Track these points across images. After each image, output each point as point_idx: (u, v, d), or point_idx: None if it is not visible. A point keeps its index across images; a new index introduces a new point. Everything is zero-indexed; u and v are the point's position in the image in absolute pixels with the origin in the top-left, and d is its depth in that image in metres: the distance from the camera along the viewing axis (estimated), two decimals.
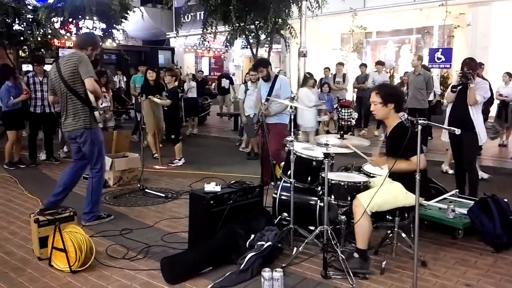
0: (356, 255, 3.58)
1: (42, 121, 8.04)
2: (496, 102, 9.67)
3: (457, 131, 3.03)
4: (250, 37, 11.64)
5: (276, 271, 3.32)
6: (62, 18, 12.67)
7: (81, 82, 4.54)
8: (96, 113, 4.72)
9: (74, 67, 4.50)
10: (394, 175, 3.62)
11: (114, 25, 13.55)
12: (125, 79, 16.67)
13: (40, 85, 7.80)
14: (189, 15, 11.85)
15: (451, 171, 6.98)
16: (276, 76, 6.18)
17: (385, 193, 3.54)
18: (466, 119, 5.31)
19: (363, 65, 12.58)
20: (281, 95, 5.88)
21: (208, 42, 12.47)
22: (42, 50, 13.50)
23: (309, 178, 4.39)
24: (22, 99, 7.47)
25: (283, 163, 4.76)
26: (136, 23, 16.82)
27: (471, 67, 5.41)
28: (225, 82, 14.45)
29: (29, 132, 8.32)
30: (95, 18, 12.90)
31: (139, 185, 6.28)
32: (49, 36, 12.93)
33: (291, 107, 4.55)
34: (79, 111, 4.62)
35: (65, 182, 4.87)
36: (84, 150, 4.77)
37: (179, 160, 8.14)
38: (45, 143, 8.34)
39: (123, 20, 13.52)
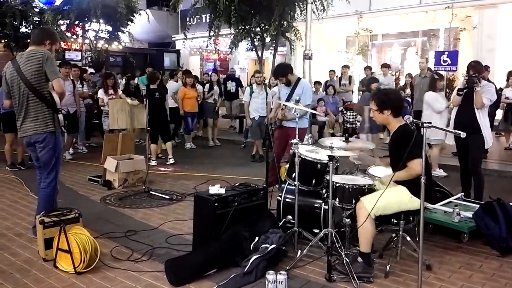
0: (359, 259, 3.57)
1: None
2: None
3: (463, 135, 3.03)
4: (255, 39, 11.66)
5: (280, 273, 3.32)
6: (68, 21, 12.75)
7: (46, 82, 4.12)
8: (60, 116, 4.27)
9: (39, 65, 4.05)
10: (398, 180, 3.61)
11: (120, 28, 13.63)
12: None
13: None
14: (195, 18, 11.89)
15: None
16: (298, 80, 6.02)
17: (389, 196, 3.52)
18: (472, 122, 5.29)
19: (368, 68, 12.57)
20: (301, 101, 5.76)
21: (217, 45, 12.50)
22: None
23: (313, 181, 4.38)
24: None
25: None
26: (142, 26, 16.88)
27: (477, 70, 5.39)
28: (231, 85, 12.79)
29: None
30: (101, 20, 12.97)
31: (144, 187, 6.30)
32: None
33: (295, 110, 4.54)
34: (42, 113, 4.19)
35: (44, 203, 4.33)
36: (40, 156, 4.26)
37: (154, 160, 8.37)
38: None
39: (129, 22, 13.61)
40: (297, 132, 4.42)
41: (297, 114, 4.45)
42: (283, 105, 5.81)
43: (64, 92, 4.32)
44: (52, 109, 4.21)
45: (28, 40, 12.63)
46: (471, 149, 5.37)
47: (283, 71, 6.08)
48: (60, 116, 4.26)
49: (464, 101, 5.40)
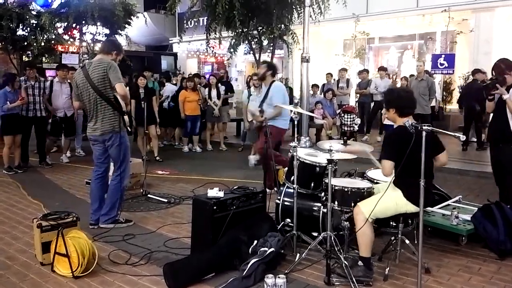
0: (360, 263, 3.56)
1: (34, 125, 8.07)
2: None
3: (462, 138, 3.03)
4: (253, 42, 11.66)
5: (279, 277, 3.32)
6: (65, 24, 12.72)
7: (110, 87, 4.62)
8: (126, 117, 4.80)
9: (104, 73, 4.57)
10: (397, 182, 3.61)
11: (118, 31, 13.60)
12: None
13: (32, 89, 7.85)
14: (192, 21, 11.89)
15: None
16: (272, 83, 6.17)
17: (386, 200, 3.52)
18: (503, 130, 4.73)
19: (365, 71, 12.60)
20: (272, 101, 5.93)
21: (213, 48, 12.49)
22: (46, 55, 13.56)
23: (312, 184, 4.38)
24: (17, 104, 7.46)
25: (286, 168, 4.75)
26: (139, 29, 16.87)
27: (499, 70, 4.77)
28: (221, 89, 10.98)
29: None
30: (98, 23, 12.94)
31: (142, 190, 6.28)
32: (53, 42, 12.98)
33: (294, 113, 4.54)
34: (108, 115, 4.69)
35: (99, 195, 4.94)
36: (110, 153, 4.85)
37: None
38: (37, 147, 8.36)
39: (126, 25, 13.57)
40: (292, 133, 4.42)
41: (296, 117, 4.45)
42: (259, 110, 5.94)
43: (127, 95, 4.73)
44: (118, 111, 4.71)
45: (25, 43, 12.63)
46: (506, 164, 4.78)
47: (270, 65, 6.30)
48: (126, 118, 4.80)
49: (497, 107, 4.84)
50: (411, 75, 11.71)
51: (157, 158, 8.94)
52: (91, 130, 4.80)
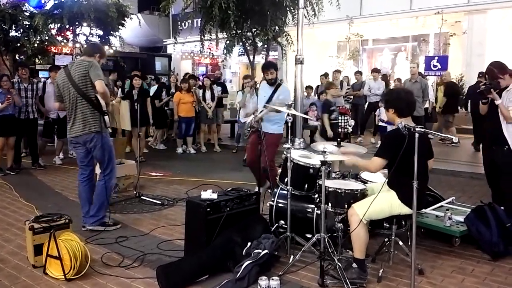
0: (354, 265, 3.56)
1: (26, 127, 8.01)
2: None
3: (455, 139, 3.04)
4: (247, 44, 11.67)
5: (272, 279, 3.31)
6: (59, 25, 12.67)
7: (92, 86, 4.55)
8: (106, 117, 4.70)
9: (85, 71, 4.52)
10: (391, 183, 3.61)
11: (111, 32, 13.57)
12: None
13: (24, 91, 7.82)
14: (186, 22, 11.88)
15: None
16: (279, 84, 6.06)
17: (381, 201, 3.52)
18: (496, 132, 4.69)
19: (359, 73, 12.62)
20: (279, 98, 5.82)
21: (210, 49, 12.46)
22: (39, 56, 13.50)
23: (306, 186, 4.38)
24: (5, 106, 7.37)
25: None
26: (133, 30, 16.82)
27: (492, 75, 4.78)
28: (217, 90, 11.04)
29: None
30: (92, 24, 12.90)
31: (135, 192, 6.25)
32: (46, 43, 12.93)
33: (288, 115, 4.53)
34: (88, 115, 4.62)
35: (88, 198, 4.88)
36: (94, 155, 4.79)
37: None
38: (30, 149, 8.30)
39: (120, 27, 13.54)
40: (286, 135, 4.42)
41: (290, 119, 4.44)
42: (264, 107, 5.81)
43: (106, 93, 4.66)
44: (98, 111, 4.63)
45: (18, 44, 12.59)
46: (501, 165, 4.73)
47: (275, 65, 6.13)
48: (107, 118, 4.69)
49: (490, 109, 4.81)
50: (388, 74, 11.68)
51: (141, 157, 8.79)
52: (70, 132, 4.73)
